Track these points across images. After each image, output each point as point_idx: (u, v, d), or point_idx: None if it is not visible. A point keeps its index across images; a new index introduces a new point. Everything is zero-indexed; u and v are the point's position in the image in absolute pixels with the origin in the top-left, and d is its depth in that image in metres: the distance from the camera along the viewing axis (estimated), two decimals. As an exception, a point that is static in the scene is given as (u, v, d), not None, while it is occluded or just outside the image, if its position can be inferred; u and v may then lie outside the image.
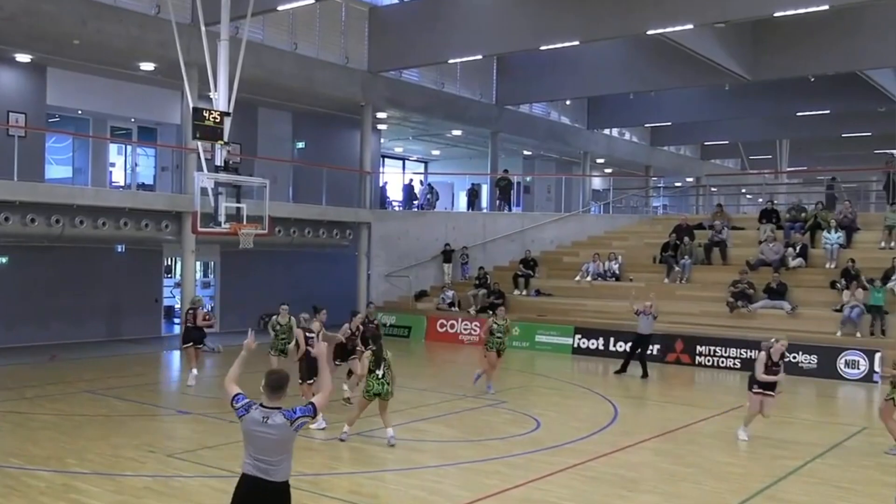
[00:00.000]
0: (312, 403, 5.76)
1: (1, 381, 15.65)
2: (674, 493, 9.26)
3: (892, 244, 21.55)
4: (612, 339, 21.11)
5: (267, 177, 18.06)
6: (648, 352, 18.47)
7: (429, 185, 32.07)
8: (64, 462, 9.84)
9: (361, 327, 14.42)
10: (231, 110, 16.81)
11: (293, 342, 13.29)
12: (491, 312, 17.26)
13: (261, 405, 5.62)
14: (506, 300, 24.09)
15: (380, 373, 11.11)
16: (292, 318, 14.10)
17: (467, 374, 16.33)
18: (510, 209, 29.75)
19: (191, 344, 15.63)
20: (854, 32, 23.38)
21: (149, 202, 21.17)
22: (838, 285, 20.14)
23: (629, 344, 19.02)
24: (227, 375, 6.00)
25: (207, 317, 16.18)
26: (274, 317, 14.50)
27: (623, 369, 18.21)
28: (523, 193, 36.32)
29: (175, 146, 23.00)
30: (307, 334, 12.46)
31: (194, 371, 15.56)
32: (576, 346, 21.69)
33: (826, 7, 19.04)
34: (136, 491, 8.76)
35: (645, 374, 17.77)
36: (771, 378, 11.72)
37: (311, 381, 12.21)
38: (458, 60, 25.81)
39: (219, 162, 16.57)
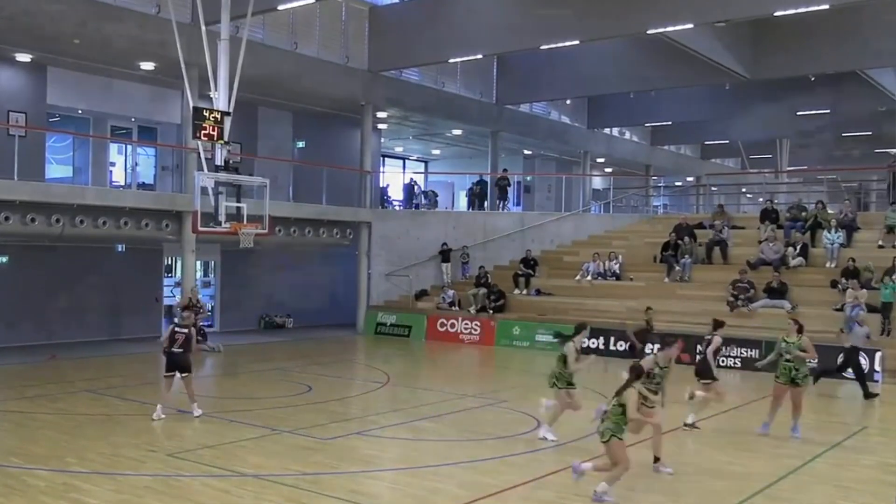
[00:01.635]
0: None
1: (1, 380, 15.67)
2: (674, 492, 9.26)
3: (894, 244, 21.53)
4: (612, 339, 21.09)
5: (267, 176, 18.04)
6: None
7: (423, 191, 31.97)
8: (64, 461, 9.84)
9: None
10: (231, 110, 16.82)
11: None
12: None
13: None
14: (506, 300, 24.14)
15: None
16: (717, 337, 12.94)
17: (467, 374, 16.32)
18: (506, 206, 29.72)
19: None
20: (854, 32, 23.39)
21: (149, 202, 21.18)
22: (839, 285, 20.14)
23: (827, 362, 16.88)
24: None
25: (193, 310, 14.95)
26: (782, 338, 12.35)
27: (868, 393, 16.09)
28: (523, 193, 36.33)
29: (175, 146, 23.01)
30: (176, 329, 12.51)
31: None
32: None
33: (826, 6, 19.05)
34: (137, 490, 8.76)
35: (867, 394, 16.07)
36: None
37: (171, 374, 12.56)
38: (459, 60, 25.80)
39: (219, 161, 16.59)
